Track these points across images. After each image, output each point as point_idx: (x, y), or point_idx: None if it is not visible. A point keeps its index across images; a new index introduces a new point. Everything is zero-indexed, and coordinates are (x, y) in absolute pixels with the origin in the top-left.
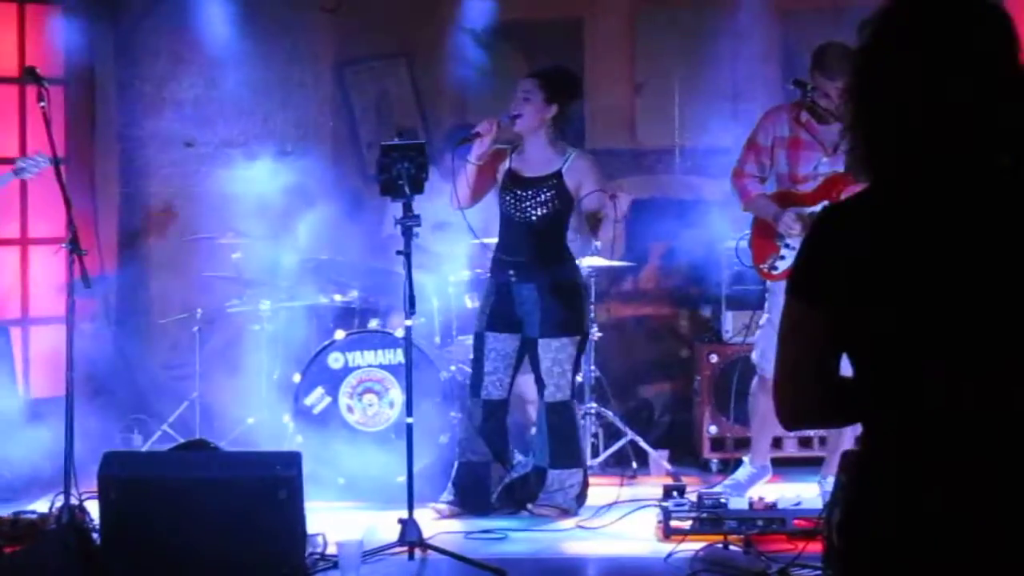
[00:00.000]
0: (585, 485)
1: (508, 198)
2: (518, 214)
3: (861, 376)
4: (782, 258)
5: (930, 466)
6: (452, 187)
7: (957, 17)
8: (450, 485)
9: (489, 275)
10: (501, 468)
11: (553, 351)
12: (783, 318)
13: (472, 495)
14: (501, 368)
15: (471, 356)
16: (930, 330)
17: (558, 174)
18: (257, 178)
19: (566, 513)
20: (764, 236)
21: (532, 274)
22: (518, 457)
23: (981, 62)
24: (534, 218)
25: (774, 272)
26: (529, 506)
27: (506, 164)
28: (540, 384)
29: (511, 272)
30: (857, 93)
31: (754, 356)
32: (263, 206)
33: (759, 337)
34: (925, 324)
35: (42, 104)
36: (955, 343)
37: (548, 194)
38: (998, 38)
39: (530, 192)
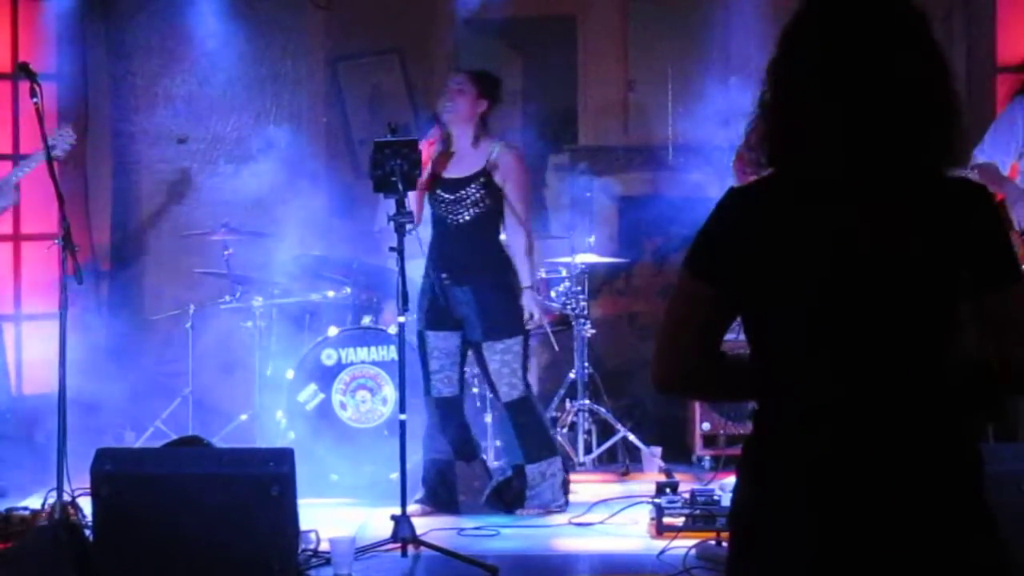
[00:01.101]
0: (566, 471)
1: (437, 200)
2: (449, 216)
3: (755, 355)
4: None
5: (808, 456)
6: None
7: (872, 18)
8: (421, 485)
9: (424, 273)
10: (466, 465)
11: (499, 353)
12: (675, 287)
13: (440, 493)
14: (447, 365)
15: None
16: (816, 320)
17: (485, 171)
18: (249, 174)
19: (557, 510)
20: None
21: (466, 276)
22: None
23: (893, 64)
24: (465, 219)
25: None
26: (518, 511)
27: (428, 167)
28: (492, 387)
29: (444, 275)
30: (775, 81)
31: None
32: (255, 202)
33: None
34: (812, 313)
35: (35, 100)
36: (843, 336)
37: (478, 193)
38: (912, 39)
39: (459, 193)
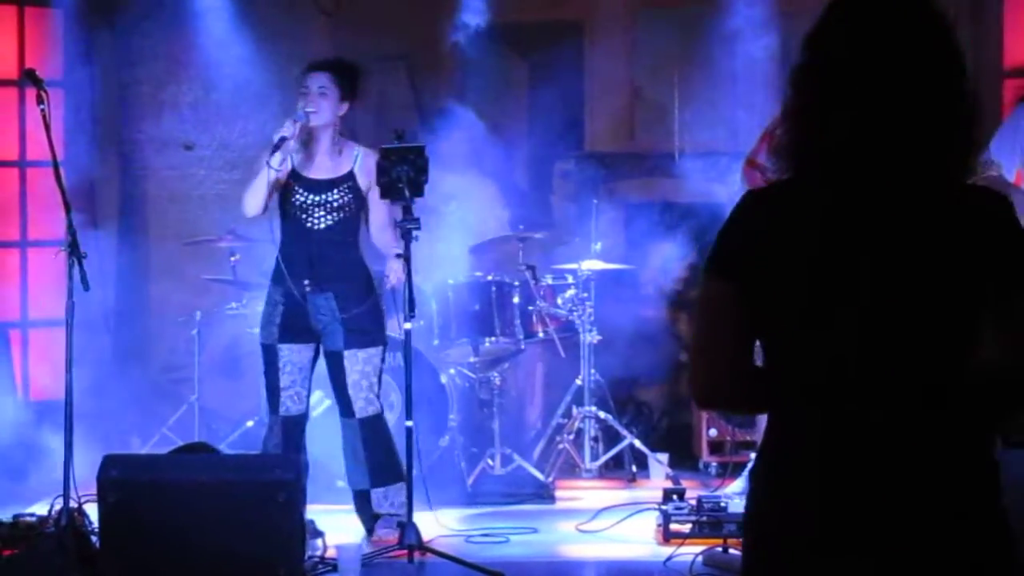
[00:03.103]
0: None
1: (297, 202)
2: (310, 219)
3: (768, 365)
4: None
5: (827, 465)
6: (247, 194)
7: (895, 24)
8: None
9: (272, 283)
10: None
11: (361, 363)
12: (699, 297)
13: None
14: (298, 381)
15: (263, 370)
16: (833, 327)
17: (350, 175)
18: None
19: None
20: None
21: (330, 284)
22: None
23: (916, 71)
24: (327, 223)
25: None
26: (371, 538)
27: (287, 165)
28: (346, 402)
29: (306, 282)
30: (797, 87)
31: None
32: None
33: None
34: (834, 320)
35: (41, 107)
36: (860, 344)
37: (343, 198)
38: (934, 45)
39: (322, 196)
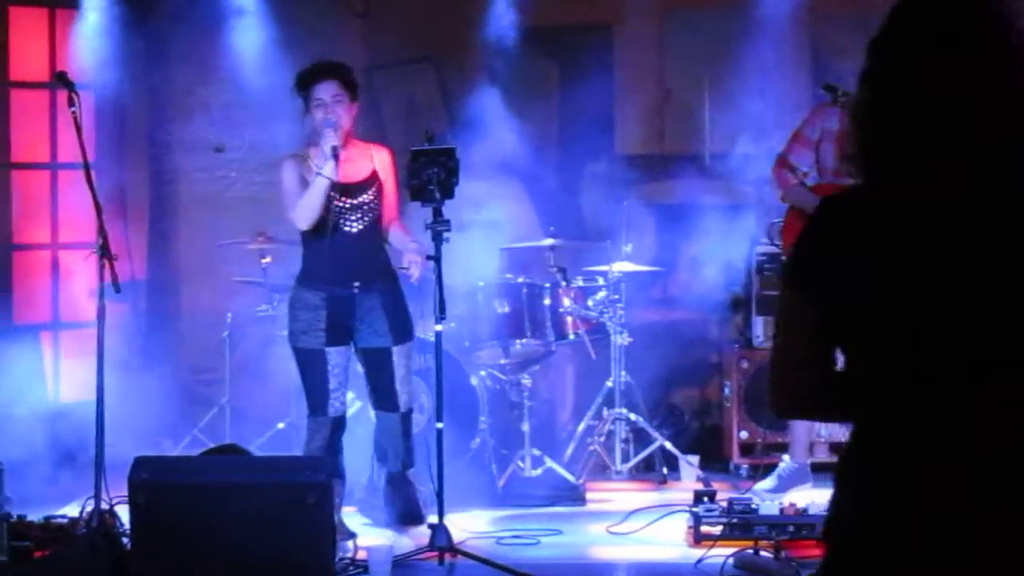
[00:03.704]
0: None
1: (335, 208)
2: (347, 223)
3: (850, 372)
4: None
5: (913, 473)
6: (300, 206)
7: (963, 26)
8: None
9: (307, 288)
10: (340, 483)
11: (404, 358)
12: (779, 307)
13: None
14: (343, 382)
15: (304, 373)
16: (925, 335)
17: (375, 174)
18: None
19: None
20: (798, 222)
21: (373, 282)
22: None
23: (985, 72)
24: (364, 224)
25: None
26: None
27: (336, 175)
28: (390, 394)
29: (356, 283)
30: (867, 87)
31: None
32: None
33: None
34: (920, 328)
35: (73, 109)
36: (951, 350)
37: (373, 198)
38: (1002, 46)
39: (357, 199)
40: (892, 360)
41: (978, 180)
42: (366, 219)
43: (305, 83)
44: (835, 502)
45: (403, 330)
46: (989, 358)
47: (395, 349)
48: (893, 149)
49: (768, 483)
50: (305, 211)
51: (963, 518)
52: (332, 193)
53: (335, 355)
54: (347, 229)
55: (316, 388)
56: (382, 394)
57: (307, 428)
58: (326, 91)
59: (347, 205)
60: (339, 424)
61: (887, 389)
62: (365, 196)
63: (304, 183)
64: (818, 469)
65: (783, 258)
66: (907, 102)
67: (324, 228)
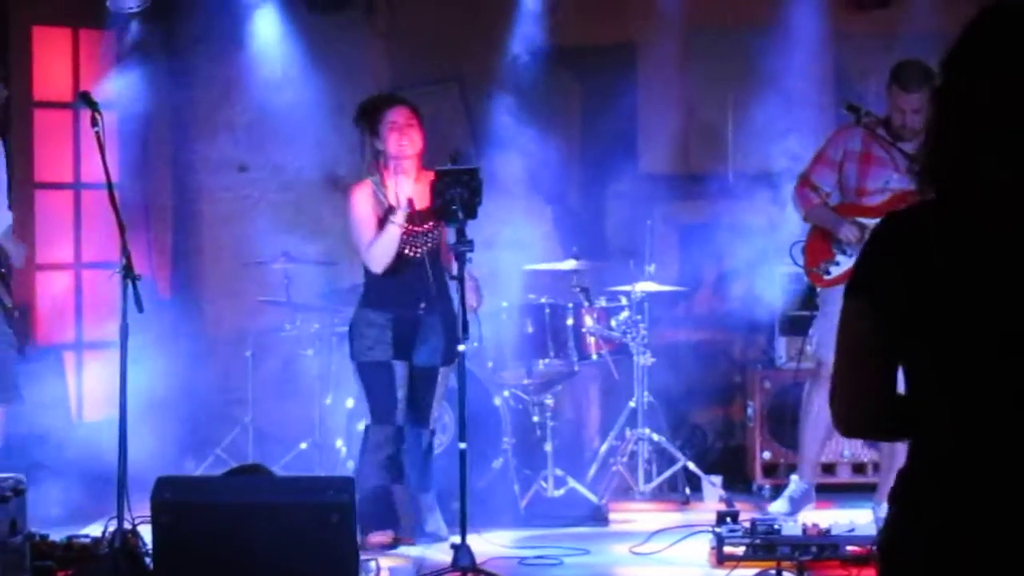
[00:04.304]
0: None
1: (403, 234)
2: (412, 249)
3: (912, 391)
4: (835, 264)
5: (977, 492)
6: (374, 252)
7: None
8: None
9: (371, 309)
10: (401, 489)
11: (445, 379)
12: (841, 324)
13: (392, 518)
14: (405, 395)
15: (371, 385)
16: (989, 349)
17: None
18: (309, 202)
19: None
20: (820, 241)
21: (439, 305)
22: None
23: None
24: (428, 248)
25: (826, 277)
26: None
27: (384, 202)
28: (425, 411)
29: (422, 305)
30: (935, 104)
31: (810, 348)
32: (315, 230)
33: (814, 329)
34: (983, 342)
35: (96, 128)
36: (1016, 365)
37: (435, 225)
38: None
39: (421, 227)
40: (958, 379)
41: None
42: (430, 244)
43: (376, 108)
44: (897, 522)
45: (451, 352)
46: None
47: (442, 370)
48: (955, 168)
49: (782, 506)
50: (380, 258)
51: (1006, 550)
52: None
53: (400, 368)
54: (412, 254)
55: (383, 398)
56: (419, 411)
57: (367, 439)
58: (400, 115)
59: (414, 232)
60: (402, 434)
61: (954, 409)
62: (429, 223)
63: (375, 212)
64: (840, 490)
65: (806, 278)
66: (970, 123)
67: (396, 252)
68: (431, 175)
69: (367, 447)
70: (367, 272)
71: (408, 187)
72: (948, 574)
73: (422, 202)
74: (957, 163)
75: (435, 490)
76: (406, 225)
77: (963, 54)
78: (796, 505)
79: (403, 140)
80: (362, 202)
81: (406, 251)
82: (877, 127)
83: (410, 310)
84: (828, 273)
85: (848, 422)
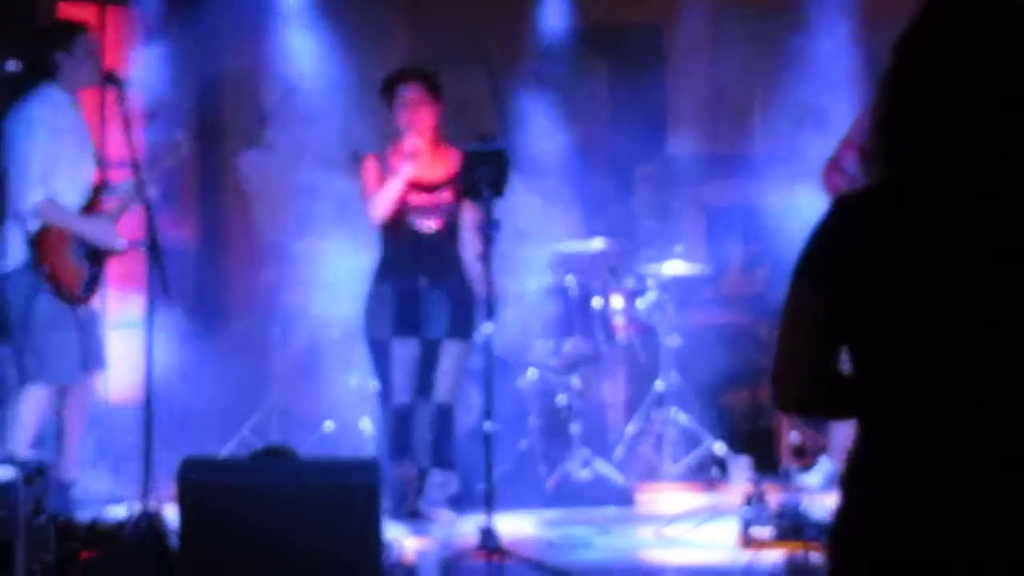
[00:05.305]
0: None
1: (410, 205)
2: (422, 221)
3: (857, 372)
4: None
5: (924, 471)
6: (375, 200)
7: (987, 27)
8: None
9: (377, 281)
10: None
11: (453, 354)
12: (786, 302)
13: (407, 502)
14: (409, 373)
15: (372, 363)
16: (935, 335)
17: (455, 177)
18: (336, 180)
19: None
20: None
21: (442, 278)
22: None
23: (1010, 75)
24: (437, 224)
25: None
26: (423, 509)
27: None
28: (426, 385)
29: (423, 279)
30: (884, 88)
31: None
32: (342, 209)
33: None
34: (931, 328)
35: (122, 107)
36: (961, 345)
37: (448, 199)
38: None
39: (432, 198)
40: (903, 360)
41: (995, 180)
42: (441, 218)
43: (392, 83)
44: (846, 507)
45: (460, 327)
46: (1007, 359)
47: (447, 341)
48: (904, 152)
49: (815, 479)
50: (380, 204)
51: (969, 527)
52: (408, 190)
53: (400, 347)
54: (420, 226)
55: (381, 377)
56: (423, 383)
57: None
58: (410, 90)
59: (421, 203)
60: (402, 414)
61: (900, 390)
62: (440, 196)
63: (383, 181)
64: None
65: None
66: (919, 106)
67: (398, 225)
68: (450, 150)
69: (376, 426)
70: (380, 244)
71: (419, 143)
72: (899, 558)
73: (432, 175)
74: (905, 147)
75: (452, 468)
76: (415, 194)
77: (913, 36)
78: (828, 480)
79: (412, 116)
80: (370, 170)
81: (415, 222)
82: None
83: (411, 283)
84: None
85: (782, 396)
